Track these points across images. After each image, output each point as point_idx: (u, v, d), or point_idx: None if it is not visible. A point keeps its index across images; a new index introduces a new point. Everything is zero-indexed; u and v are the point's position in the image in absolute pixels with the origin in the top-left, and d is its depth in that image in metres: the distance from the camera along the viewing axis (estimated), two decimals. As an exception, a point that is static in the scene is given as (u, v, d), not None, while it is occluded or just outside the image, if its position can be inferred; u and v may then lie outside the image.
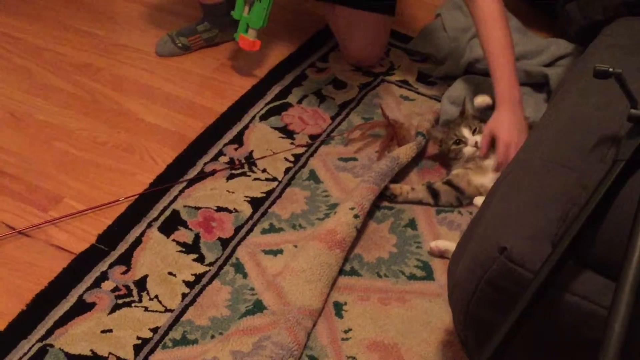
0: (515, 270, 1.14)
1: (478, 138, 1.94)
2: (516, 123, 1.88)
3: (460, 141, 1.96)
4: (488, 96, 2.05)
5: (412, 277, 1.74)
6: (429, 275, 1.75)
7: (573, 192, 1.15)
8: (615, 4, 1.84)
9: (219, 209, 1.86)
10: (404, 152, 1.99)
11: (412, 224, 1.88)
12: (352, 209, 1.78)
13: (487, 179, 1.90)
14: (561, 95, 1.56)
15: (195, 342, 1.55)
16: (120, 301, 1.62)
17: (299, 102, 2.25)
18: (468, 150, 1.95)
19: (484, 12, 1.95)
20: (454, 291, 1.33)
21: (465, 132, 1.97)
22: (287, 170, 2.00)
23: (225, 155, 2.03)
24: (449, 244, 1.75)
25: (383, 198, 1.93)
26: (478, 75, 2.30)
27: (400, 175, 1.99)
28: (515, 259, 1.14)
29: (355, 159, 2.06)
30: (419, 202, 1.94)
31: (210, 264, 1.72)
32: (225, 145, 2.06)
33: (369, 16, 2.31)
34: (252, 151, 2.05)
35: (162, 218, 1.82)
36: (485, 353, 1.08)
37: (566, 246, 1.08)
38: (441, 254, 1.77)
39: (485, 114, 2.02)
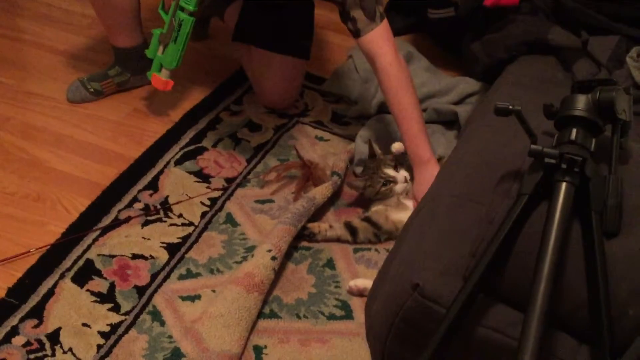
0: (428, 306, 1.16)
1: (404, 172, 1.99)
2: (428, 178, 1.93)
3: (389, 181, 1.98)
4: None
5: (331, 317, 1.74)
6: (348, 315, 1.75)
7: (481, 227, 1.18)
8: (516, 43, 1.92)
9: (135, 257, 1.83)
10: (320, 192, 2.00)
11: (330, 263, 1.88)
12: (269, 251, 1.78)
13: (405, 215, 1.93)
14: (468, 132, 1.60)
15: (111, 394, 1.52)
16: (32, 356, 1.57)
17: (214, 145, 2.25)
18: (400, 186, 1.98)
19: (390, 79, 1.99)
20: (371, 329, 1.34)
21: (390, 172, 1.99)
22: (203, 215, 1.99)
23: (140, 201, 2.00)
24: (368, 282, 1.76)
25: (301, 238, 1.93)
26: (390, 115, 2.34)
27: (317, 215, 1.99)
28: (428, 295, 1.16)
29: (271, 201, 2.06)
30: (338, 240, 1.95)
31: (127, 313, 1.69)
32: (139, 191, 2.04)
33: (284, 59, 2.33)
34: (167, 196, 2.03)
35: (76, 268, 1.78)
36: (402, 390, 1.09)
37: (476, 280, 1.10)
38: (360, 293, 1.78)
39: (402, 158, 2.05)
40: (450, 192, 1.33)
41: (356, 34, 1.99)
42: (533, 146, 1.12)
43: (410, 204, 1.96)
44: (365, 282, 1.78)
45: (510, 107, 1.14)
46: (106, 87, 2.38)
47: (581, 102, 1.16)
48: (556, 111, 1.20)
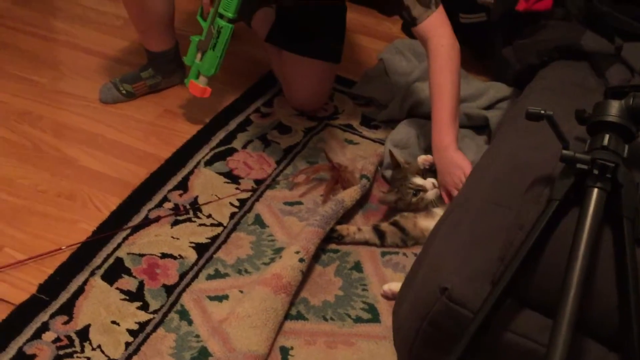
0: (456, 310, 1.15)
1: (431, 179, 1.99)
2: (448, 165, 1.92)
3: (418, 190, 1.97)
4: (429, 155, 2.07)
5: (358, 319, 1.74)
6: (375, 318, 1.75)
7: (510, 232, 1.17)
8: (548, 49, 1.90)
9: (164, 256, 1.85)
10: (349, 195, 2.00)
11: (357, 266, 1.89)
12: (298, 252, 1.79)
13: (432, 223, 1.92)
14: (499, 137, 1.60)
15: (139, 391, 1.53)
16: (61, 352, 1.59)
17: (244, 147, 2.26)
18: (431, 193, 1.97)
19: (437, 59, 1.99)
20: (398, 332, 1.34)
21: (418, 180, 1.98)
22: (232, 215, 2.00)
23: (169, 201, 2.02)
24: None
25: (329, 241, 1.93)
26: (420, 119, 2.34)
27: (345, 218, 1.99)
28: (456, 299, 1.16)
29: (300, 203, 2.07)
30: (366, 243, 1.95)
31: (155, 312, 1.70)
32: (169, 191, 2.05)
33: (314, 63, 2.34)
34: (197, 197, 2.04)
35: (105, 266, 1.80)
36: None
37: (504, 285, 1.09)
38: (394, 296, 1.77)
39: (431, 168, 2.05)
40: (479, 196, 1.33)
41: (412, 22, 1.99)
42: (565, 151, 1.11)
43: (439, 212, 1.95)
44: (399, 286, 1.77)
45: (542, 112, 1.13)
46: (138, 89, 2.41)
47: (614, 108, 1.15)
48: (588, 117, 1.19)
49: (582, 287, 1.03)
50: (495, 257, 1.17)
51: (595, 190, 1.09)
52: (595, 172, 1.09)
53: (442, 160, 1.97)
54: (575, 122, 1.24)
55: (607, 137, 1.13)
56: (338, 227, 1.94)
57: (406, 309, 1.29)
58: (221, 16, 2.08)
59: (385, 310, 1.76)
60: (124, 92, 2.38)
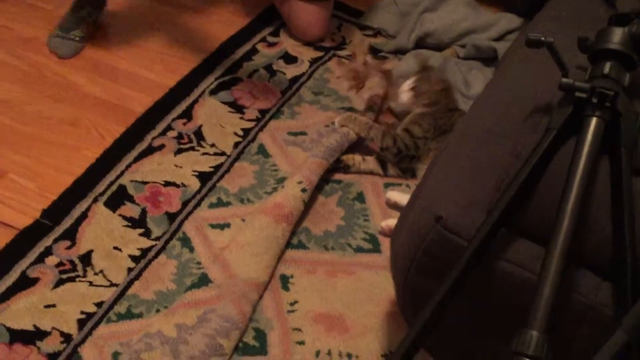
0: (451, 238, 1.15)
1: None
2: None
3: None
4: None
5: (359, 249, 1.75)
6: (375, 248, 1.76)
7: (507, 161, 1.16)
8: (558, -23, 1.85)
9: (167, 184, 1.85)
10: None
11: (360, 197, 1.89)
12: (300, 182, 1.79)
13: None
14: (502, 67, 1.57)
15: (140, 315, 1.55)
16: (64, 276, 1.61)
17: (249, 76, 2.24)
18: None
19: None
20: (395, 261, 1.34)
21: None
22: (236, 145, 1.99)
23: (174, 129, 2.02)
24: (398, 220, 1.77)
25: (334, 171, 1.93)
26: (428, 50, 2.31)
27: (350, 148, 1.99)
28: (451, 227, 1.15)
29: (304, 133, 2.06)
30: (370, 173, 1.96)
31: (157, 239, 1.72)
32: (174, 119, 2.05)
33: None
34: (201, 125, 2.03)
35: (109, 193, 1.81)
36: (420, 319, 1.09)
37: (499, 214, 1.09)
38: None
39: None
40: (479, 126, 1.30)
41: None
42: (564, 79, 1.09)
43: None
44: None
45: (543, 38, 1.11)
46: (85, 30, 2.32)
47: (617, 35, 1.12)
48: (591, 44, 1.16)
49: (576, 216, 1.02)
50: (491, 185, 1.16)
51: (594, 119, 1.07)
52: (595, 100, 1.07)
53: None
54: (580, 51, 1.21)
55: (608, 65, 1.10)
56: (344, 157, 1.95)
57: (402, 238, 1.28)
58: None
59: (386, 240, 1.76)
60: (77, 38, 2.29)
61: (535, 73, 1.35)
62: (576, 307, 1.10)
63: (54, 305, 1.55)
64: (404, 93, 1.99)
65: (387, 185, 1.92)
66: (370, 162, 1.96)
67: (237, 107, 2.12)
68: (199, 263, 1.67)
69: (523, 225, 1.13)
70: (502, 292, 1.15)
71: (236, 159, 1.95)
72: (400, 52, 2.35)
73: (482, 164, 1.20)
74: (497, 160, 1.18)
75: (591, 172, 1.06)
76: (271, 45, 2.38)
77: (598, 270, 1.11)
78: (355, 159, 1.96)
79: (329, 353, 1.53)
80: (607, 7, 1.67)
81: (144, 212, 1.77)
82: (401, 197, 1.82)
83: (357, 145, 2.02)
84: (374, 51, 2.39)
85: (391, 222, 1.78)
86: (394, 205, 1.83)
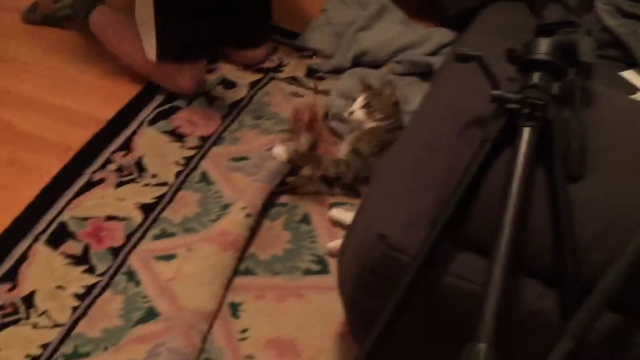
0: (394, 256, 1.15)
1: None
2: None
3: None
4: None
5: (307, 272, 1.74)
6: (324, 269, 1.75)
7: (446, 175, 1.17)
8: (485, -10, 1.89)
9: (109, 218, 1.82)
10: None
11: (305, 219, 1.88)
12: (244, 208, 1.78)
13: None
14: (436, 81, 1.59)
15: (87, 355, 1.52)
16: (6, 320, 1.57)
17: (189, 104, 2.23)
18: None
19: None
20: (341, 282, 1.34)
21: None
22: (178, 174, 1.97)
23: (113, 162, 1.99)
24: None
25: (278, 194, 1.92)
26: (366, 68, 2.32)
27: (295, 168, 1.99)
28: (394, 245, 1.15)
29: (247, 158, 2.05)
30: (316, 193, 1.96)
31: (102, 274, 1.68)
32: (113, 152, 2.02)
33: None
34: (141, 157, 2.01)
35: (49, 231, 1.77)
36: (370, 339, 1.08)
37: (441, 229, 1.09)
38: None
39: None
40: (417, 142, 1.32)
41: None
42: (495, 91, 1.11)
43: None
44: (344, 242, 1.78)
45: (471, 53, 1.12)
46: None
47: (543, 46, 1.14)
48: (519, 56, 1.18)
49: (516, 226, 1.03)
50: (432, 201, 1.17)
51: (527, 129, 1.09)
52: (526, 110, 1.09)
53: None
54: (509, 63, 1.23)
55: (536, 75, 1.12)
56: (289, 179, 1.94)
57: (347, 259, 1.28)
58: None
59: (335, 261, 1.76)
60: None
61: (468, 86, 1.37)
62: (522, 316, 1.11)
63: (-3, 351, 1.51)
64: (357, 110, 2.00)
65: (332, 205, 1.92)
66: (316, 183, 1.96)
67: (177, 136, 2.10)
68: (145, 296, 1.64)
69: (465, 238, 1.14)
70: (449, 306, 1.15)
71: (179, 189, 1.93)
72: (337, 71, 2.36)
73: (421, 179, 1.21)
74: (436, 175, 1.19)
75: (528, 181, 1.08)
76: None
77: (542, 277, 1.12)
78: (300, 180, 1.96)
79: (283, 379, 1.52)
80: (535, 18, 1.71)
81: (86, 248, 1.74)
82: (344, 215, 1.83)
83: (300, 166, 2.01)
84: (311, 72, 2.39)
85: (338, 243, 1.77)
86: (337, 224, 1.83)
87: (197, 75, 2.25)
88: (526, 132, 1.09)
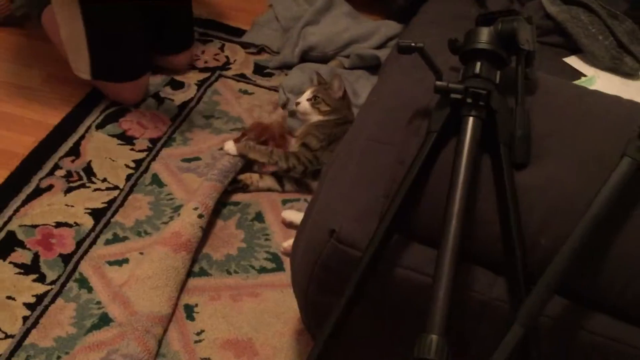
0: (345, 251, 1.15)
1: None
2: None
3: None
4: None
5: (262, 270, 1.73)
6: (279, 267, 1.75)
7: (393, 168, 1.16)
8: (430, -18, 1.90)
9: (58, 225, 1.79)
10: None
11: (259, 217, 1.87)
12: (196, 208, 1.76)
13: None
14: (383, 74, 1.59)
15: (39, 365, 1.49)
16: (-45, 333, 1.53)
17: (137, 106, 2.20)
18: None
19: None
20: (295, 279, 1.33)
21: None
22: (128, 177, 1.95)
23: (61, 168, 1.95)
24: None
25: (230, 193, 1.91)
26: (313, 63, 2.32)
27: (246, 167, 1.99)
28: (345, 240, 1.15)
29: (198, 159, 2.03)
30: (268, 190, 1.96)
31: (52, 282, 1.65)
32: (61, 158, 1.98)
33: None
34: (90, 161, 1.98)
35: (-3, 241, 1.74)
36: (323, 334, 1.08)
37: (389, 221, 1.09)
38: None
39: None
40: (364, 135, 1.31)
41: None
42: (438, 82, 1.10)
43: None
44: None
45: (413, 44, 1.12)
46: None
47: (484, 35, 1.14)
48: (460, 46, 1.18)
49: (463, 216, 1.04)
50: (381, 194, 1.17)
51: (471, 119, 1.09)
52: (469, 100, 1.09)
53: None
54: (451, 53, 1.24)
55: (478, 64, 1.12)
56: (241, 177, 1.94)
57: (299, 255, 1.28)
58: None
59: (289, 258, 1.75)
60: None
61: (413, 78, 1.37)
62: (473, 305, 1.12)
63: (-54, 366, 1.47)
64: (303, 102, 2.00)
65: (285, 202, 1.92)
66: (268, 180, 1.96)
67: (126, 139, 2.07)
68: (98, 303, 1.61)
69: (414, 229, 1.14)
70: (401, 298, 1.15)
71: (130, 192, 1.91)
72: (285, 67, 2.35)
73: (369, 173, 1.21)
74: (384, 168, 1.19)
75: (473, 170, 1.08)
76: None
77: (491, 266, 1.12)
78: (252, 177, 1.95)
79: (241, 379, 1.51)
80: (478, 8, 1.72)
81: (36, 256, 1.71)
82: (297, 216, 1.82)
83: (252, 164, 2.00)
84: (259, 68, 2.38)
85: (292, 241, 1.78)
86: (290, 225, 1.82)
87: (141, 88, 2.21)
88: (470, 122, 1.09)
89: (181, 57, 2.34)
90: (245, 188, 1.94)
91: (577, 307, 1.09)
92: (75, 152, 2.01)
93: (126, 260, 1.72)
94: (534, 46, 1.16)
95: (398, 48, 1.13)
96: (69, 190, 1.89)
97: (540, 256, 1.06)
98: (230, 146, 1.94)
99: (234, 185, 1.93)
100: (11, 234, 1.75)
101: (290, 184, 1.95)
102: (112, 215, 1.84)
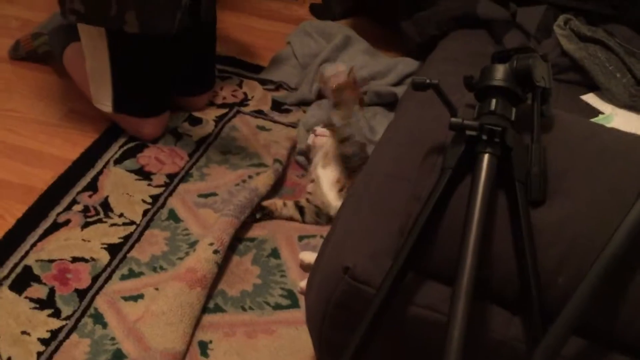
0: (360, 288, 1.14)
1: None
2: None
3: None
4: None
5: (277, 306, 1.72)
6: (294, 303, 1.73)
7: (408, 204, 1.16)
8: (446, 19, 1.91)
9: (75, 260, 1.79)
10: (262, 182, 1.99)
11: (274, 253, 1.86)
12: (211, 244, 1.76)
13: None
14: (400, 111, 1.59)
15: (53, 401, 1.48)
16: (-31, 369, 1.53)
17: (155, 142, 2.21)
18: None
19: None
20: (309, 316, 1.32)
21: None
22: (145, 212, 1.95)
23: (79, 203, 1.96)
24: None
25: (246, 229, 1.91)
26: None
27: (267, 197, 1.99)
28: (359, 277, 1.14)
29: (215, 194, 2.03)
30: (290, 219, 1.97)
31: (67, 318, 1.65)
32: (78, 193, 1.99)
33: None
34: (107, 196, 1.99)
35: (13, 275, 1.73)
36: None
37: (404, 259, 1.08)
38: None
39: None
40: (380, 171, 1.32)
41: None
42: (453, 119, 1.10)
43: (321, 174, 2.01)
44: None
45: (428, 81, 1.12)
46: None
47: (499, 72, 1.14)
48: (476, 83, 1.18)
49: (478, 254, 1.03)
50: (395, 231, 1.16)
51: (486, 156, 1.08)
52: (484, 137, 1.09)
53: None
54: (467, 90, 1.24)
55: (493, 101, 1.12)
56: (266, 203, 1.96)
57: (314, 292, 1.27)
58: None
59: (304, 294, 1.74)
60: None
61: (429, 114, 1.37)
62: (489, 345, 1.10)
63: (-40, 401, 1.47)
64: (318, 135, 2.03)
65: (301, 238, 1.91)
66: (290, 208, 1.96)
67: (144, 174, 2.08)
68: (113, 339, 1.61)
69: (429, 267, 1.13)
70: (415, 336, 1.14)
71: (146, 227, 1.91)
72: (303, 103, 2.36)
73: (384, 209, 1.21)
74: (399, 205, 1.18)
75: (489, 207, 1.07)
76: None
77: (507, 304, 1.11)
78: (276, 203, 1.96)
79: (255, 417, 1.49)
80: (495, 45, 1.72)
81: (52, 291, 1.71)
82: (314, 258, 1.80)
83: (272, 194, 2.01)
84: (277, 105, 2.39)
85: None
86: (307, 268, 1.80)
87: (161, 124, 2.23)
88: (485, 159, 1.08)
89: (202, 99, 2.35)
90: (270, 214, 1.96)
91: (594, 346, 1.07)
92: (93, 187, 2.02)
93: (141, 296, 1.72)
94: (550, 83, 1.16)
95: (413, 84, 1.13)
96: (86, 225, 1.90)
97: (557, 295, 1.05)
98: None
99: (261, 212, 1.95)
100: (28, 269, 1.76)
101: (310, 215, 1.95)
102: (128, 251, 1.84)
